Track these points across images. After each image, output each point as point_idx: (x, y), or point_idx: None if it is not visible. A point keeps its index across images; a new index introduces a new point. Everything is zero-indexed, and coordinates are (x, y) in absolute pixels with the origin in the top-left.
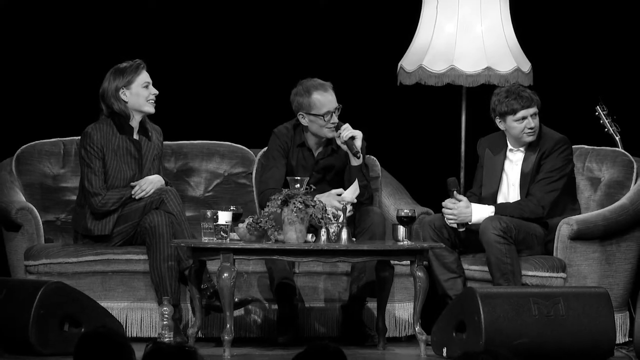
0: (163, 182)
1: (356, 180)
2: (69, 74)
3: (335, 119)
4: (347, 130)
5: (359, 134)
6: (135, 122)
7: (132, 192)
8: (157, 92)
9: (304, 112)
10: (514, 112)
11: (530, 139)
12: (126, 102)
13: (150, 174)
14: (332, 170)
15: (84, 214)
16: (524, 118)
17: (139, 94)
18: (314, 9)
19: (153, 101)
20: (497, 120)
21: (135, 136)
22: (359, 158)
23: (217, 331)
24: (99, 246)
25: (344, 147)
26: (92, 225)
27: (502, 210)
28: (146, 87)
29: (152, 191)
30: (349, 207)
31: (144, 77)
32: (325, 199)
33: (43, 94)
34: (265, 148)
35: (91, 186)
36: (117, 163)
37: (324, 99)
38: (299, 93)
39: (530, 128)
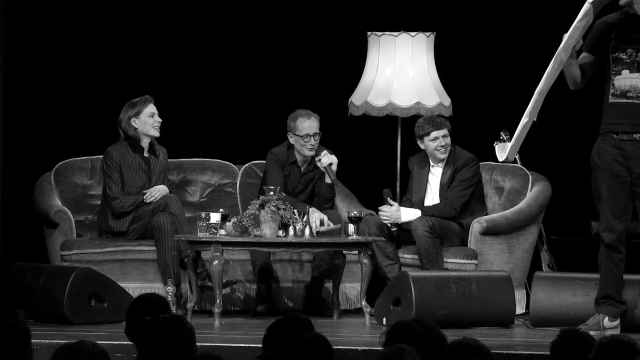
0: (168, 190)
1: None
2: (95, 107)
3: (313, 142)
4: (326, 157)
5: (335, 161)
6: (144, 143)
7: (144, 197)
8: (160, 120)
9: (292, 133)
10: (429, 133)
11: (442, 155)
12: (136, 128)
13: (157, 184)
14: (312, 182)
15: (106, 215)
16: (436, 138)
17: (146, 121)
18: (286, 57)
19: (157, 127)
20: (419, 142)
21: (146, 154)
22: (335, 184)
23: (209, 305)
24: (118, 240)
25: (323, 169)
26: (113, 223)
27: (426, 211)
28: (152, 116)
29: (159, 197)
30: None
31: (150, 108)
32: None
33: (75, 122)
34: (247, 164)
35: (112, 192)
36: (131, 175)
37: (306, 124)
38: (291, 118)
39: (442, 146)
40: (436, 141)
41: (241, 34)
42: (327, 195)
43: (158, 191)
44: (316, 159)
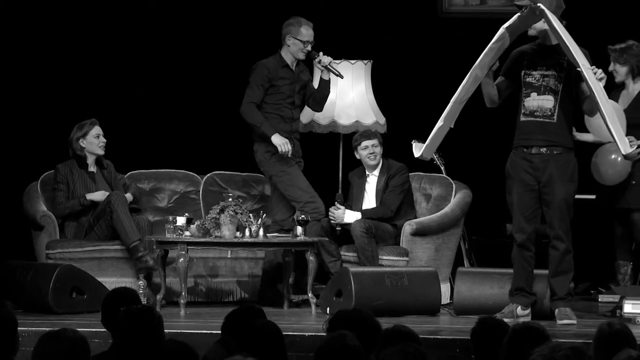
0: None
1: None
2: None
3: (309, 48)
4: (326, 57)
5: (331, 58)
6: (90, 160)
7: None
8: (105, 140)
9: (292, 36)
10: (361, 143)
11: (372, 162)
12: (84, 147)
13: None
14: (302, 81)
15: (64, 225)
16: (367, 147)
17: (92, 142)
18: (244, 83)
19: (102, 147)
20: (355, 153)
21: (92, 169)
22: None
23: (176, 297)
24: (96, 240)
25: (323, 68)
26: (68, 233)
27: (365, 214)
28: (97, 137)
29: (99, 197)
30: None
31: (95, 130)
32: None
33: (59, 137)
34: (209, 174)
35: (54, 200)
36: (77, 188)
37: (308, 32)
38: (292, 23)
39: (371, 153)
40: (367, 149)
41: (200, 60)
42: (326, 92)
43: (99, 194)
44: (315, 60)
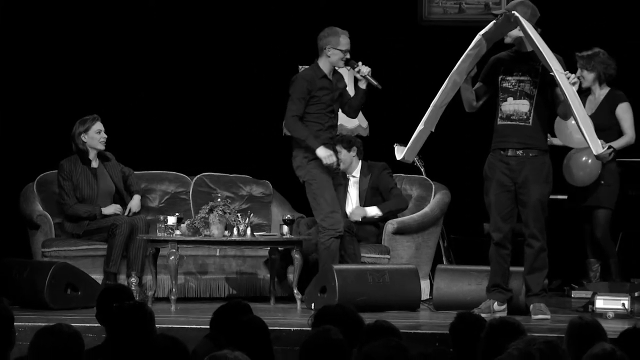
0: (138, 204)
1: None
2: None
3: (348, 56)
4: (365, 67)
5: (370, 68)
6: (92, 155)
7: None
8: (106, 136)
9: (331, 46)
10: None
11: (339, 169)
12: (85, 142)
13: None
14: (339, 89)
15: (64, 221)
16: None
17: (94, 137)
18: (232, 87)
19: (103, 142)
20: None
21: (94, 165)
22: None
23: (167, 293)
24: (89, 240)
25: (362, 78)
26: (69, 228)
27: (384, 209)
28: (99, 132)
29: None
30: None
31: (97, 126)
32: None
33: (54, 141)
34: (198, 176)
35: (62, 199)
36: (80, 184)
37: (346, 40)
38: (330, 33)
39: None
40: None
41: (192, 63)
42: (363, 100)
43: (112, 208)
44: (355, 69)
